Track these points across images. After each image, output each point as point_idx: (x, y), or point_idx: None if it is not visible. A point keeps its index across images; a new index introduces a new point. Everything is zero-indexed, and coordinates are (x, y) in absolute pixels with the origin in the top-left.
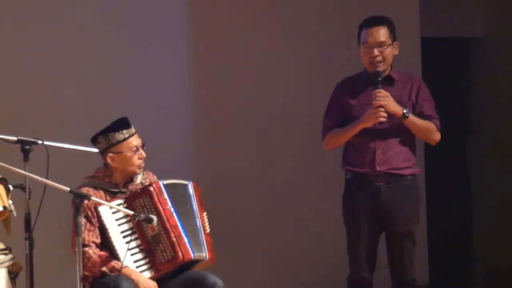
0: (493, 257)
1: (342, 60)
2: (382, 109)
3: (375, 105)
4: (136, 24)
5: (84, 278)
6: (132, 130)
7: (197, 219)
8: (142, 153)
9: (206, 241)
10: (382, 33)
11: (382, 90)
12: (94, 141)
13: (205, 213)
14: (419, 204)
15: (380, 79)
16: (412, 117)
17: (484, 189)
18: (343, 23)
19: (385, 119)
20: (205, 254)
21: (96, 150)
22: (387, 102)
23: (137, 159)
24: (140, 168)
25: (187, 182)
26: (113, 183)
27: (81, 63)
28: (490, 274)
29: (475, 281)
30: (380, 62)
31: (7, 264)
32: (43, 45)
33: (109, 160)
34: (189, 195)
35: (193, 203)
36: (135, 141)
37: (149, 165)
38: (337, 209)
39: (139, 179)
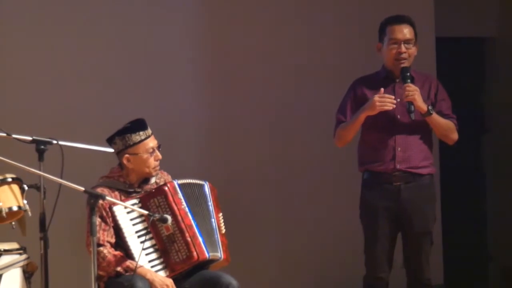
0: (508, 256)
1: (357, 59)
2: (390, 97)
3: (405, 99)
4: (149, 25)
5: (99, 278)
6: (149, 131)
7: (213, 219)
8: (158, 154)
9: (221, 241)
10: (409, 31)
11: (411, 85)
12: (110, 142)
13: (220, 214)
14: (435, 204)
15: (408, 74)
16: (435, 115)
17: (499, 189)
18: (358, 23)
19: (391, 108)
20: (220, 254)
21: (111, 150)
22: (416, 96)
23: (153, 161)
24: (155, 170)
25: (203, 183)
26: (128, 183)
27: (94, 64)
28: (505, 274)
29: (490, 280)
30: (405, 59)
31: (22, 263)
32: (57, 46)
33: (125, 161)
34: (205, 195)
35: (209, 203)
36: (152, 142)
37: (161, 166)
38: (351, 209)
39: (153, 179)
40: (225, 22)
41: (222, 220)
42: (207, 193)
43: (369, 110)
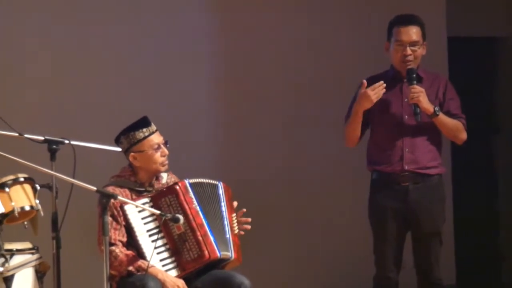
0: None
1: (369, 58)
2: (381, 85)
3: (410, 101)
4: (163, 24)
5: (111, 278)
6: (153, 128)
7: (225, 219)
8: (165, 150)
9: (233, 241)
10: (415, 32)
11: (416, 86)
12: (117, 142)
13: (234, 214)
14: (444, 204)
15: (414, 75)
16: (442, 116)
17: (511, 189)
18: (369, 22)
19: (384, 90)
20: (231, 253)
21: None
22: (420, 98)
23: (160, 157)
24: (163, 166)
25: (217, 183)
26: (139, 182)
27: (107, 63)
28: None
29: (502, 281)
30: (411, 61)
31: (34, 263)
32: (70, 46)
33: (131, 160)
34: (218, 195)
35: (222, 203)
36: (156, 139)
37: (174, 165)
38: (363, 209)
39: (164, 178)
40: (240, 21)
41: (236, 221)
42: (221, 193)
43: (366, 103)
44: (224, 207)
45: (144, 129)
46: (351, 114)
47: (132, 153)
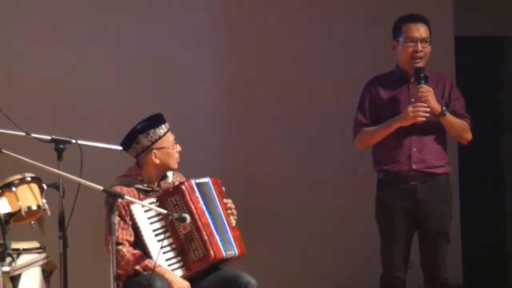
0: None
1: (374, 59)
2: (423, 106)
3: (419, 100)
4: (169, 25)
5: (117, 277)
6: (167, 124)
7: (222, 217)
8: (179, 146)
9: (234, 236)
10: (425, 30)
11: (425, 86)
12: (131, 142)
13: (229, 206)
14: (451, 203)
15: (422, 74)
16: (449, 115)
17: None
18: (375, 23)
19: (425, 119)
20: (234, 251)
21: None
22: (429, 97)
23: (176, 153)
24: (177, 162)
25: (206, 180)
26: (146, 181)
27: (113, 64)
28: None
29: (509, 280)
30: (421, 58)
31: (41, 263)
32: (75, 45)
33: (152, 157)
34: (210, 192)
35: (215, 200)
36: (171, 135)
37: (180, 166)
38: (369, 208)
39: (170, 178)
40: (244, 24)
41: (230, 212)
42: (211, 189)
43: (403, 120)
44: (217, 204)
45: (163, 126)
46: (385, 126)
47: (154, 151)
